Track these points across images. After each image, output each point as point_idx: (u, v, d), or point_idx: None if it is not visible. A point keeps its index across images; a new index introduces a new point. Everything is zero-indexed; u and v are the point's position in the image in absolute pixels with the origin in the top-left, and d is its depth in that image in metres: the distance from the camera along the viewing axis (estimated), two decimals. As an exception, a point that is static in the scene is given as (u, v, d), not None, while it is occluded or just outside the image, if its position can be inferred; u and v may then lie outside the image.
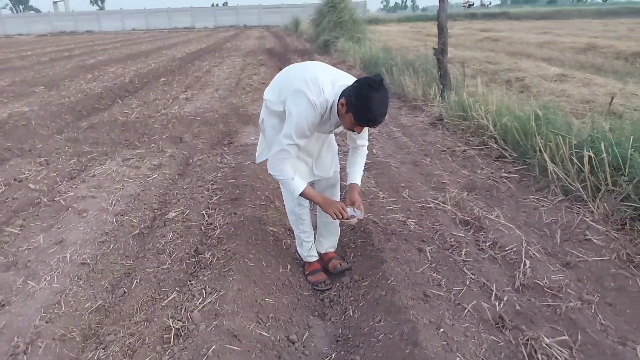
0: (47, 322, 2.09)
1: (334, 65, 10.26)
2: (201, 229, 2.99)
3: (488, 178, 3.65)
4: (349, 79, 2.07)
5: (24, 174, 4.11)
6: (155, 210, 3.37)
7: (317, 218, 2.66)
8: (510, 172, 3.70)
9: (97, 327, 2.12)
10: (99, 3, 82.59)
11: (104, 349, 1.93)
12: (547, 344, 1.82)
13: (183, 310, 2.11)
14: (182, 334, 1.96)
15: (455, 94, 5.26)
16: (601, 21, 27.40)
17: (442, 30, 5.83)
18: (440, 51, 5.92)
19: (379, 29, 25.06)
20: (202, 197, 3.50)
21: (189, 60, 13.96)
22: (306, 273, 2.60)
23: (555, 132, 3.36)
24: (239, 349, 1.80)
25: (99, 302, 2.28)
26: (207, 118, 5.96)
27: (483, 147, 4.27)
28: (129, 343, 1.94)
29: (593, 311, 2.05)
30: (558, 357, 1.76)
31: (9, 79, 10.23)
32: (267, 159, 2.23)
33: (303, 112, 1.99)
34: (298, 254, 2.68)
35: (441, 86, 5.89)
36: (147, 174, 4.03)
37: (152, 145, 4.94)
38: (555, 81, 8.04)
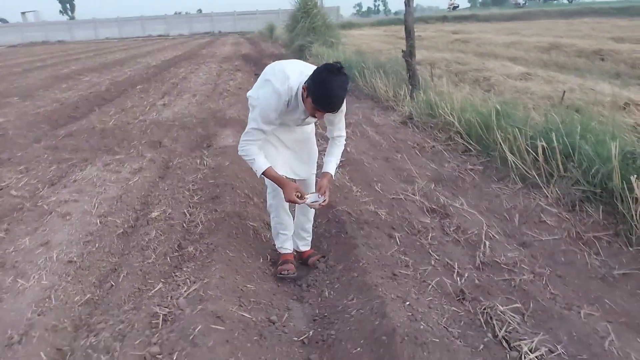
0: (38, 315, 2.21)
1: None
2: (183, 226, 3.13)
3: (454, 170, 3.89)
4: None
5: (4, 182, 4.16)
6: (138, 211, 3.49)
7: (295, 217, 2.74)
8: (474, 164, 3.94)
9: (87, 317, 2.25)
10: (69, 13, 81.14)
11: (95, 335, 2.06)
12: (501, 311, 2.03)
13: (169, 298, 2.26)
14: (169, 319, 2.10)
15: (423, 93, 5.52)
16: (566, 21, 28.37)
17: (409, 34, 6.09)
18: (409, 53, 6.19)
19: (353, 33, 25.39)
20: (183, 197, 3.63)
21: (164, 67, 13.98)
22: (278, 263, 2.65)
23: (513, 125, 3.62)
24: (223, 328, 1.96)
25: (88, 296, 2.41)
26: (185, 123, 6.07)
27: (450, 142, 4.51)
28: (119, 329, 2.07)
29: (544, 282, 2.28)
30: (511, 322, 1.97)
31: (-19, 91, 10.11)
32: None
33: (268, 97, 2.11)
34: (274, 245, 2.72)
35: (410, 87, 6.14)
36: (128, 178, 4.14)
37: (132, 150, 5.04)
38: (520, 79, 8.39)
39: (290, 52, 16.15)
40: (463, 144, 4.31)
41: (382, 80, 6.97)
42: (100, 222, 3.24)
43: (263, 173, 2.25)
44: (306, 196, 2.35)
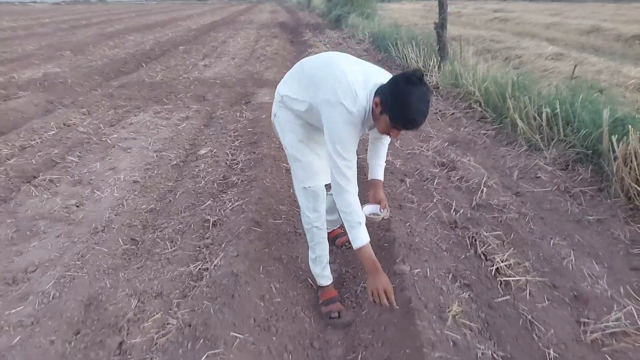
0: (115, 215, 2.80)
1: (344, 39, 10.81)
2: (227, 163, 3.67)
3: (468, 134, 4.28)
4: (382, 76, 1.79)
5: (71, 120, 4.79)
6: (187, 149, 4.05)
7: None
8: (488, 129, 4.31)
9: (153, 220, 2.82)
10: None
11: (160, 231, 2.63)
12: (484, 236, 2.48)
13: (217, 210, 2.81)
14: (218, 223, 2.66)
15: (450, 65, 5.83)
16: (615, 5, 27.27)
17: (442, 7, 6.36)
18: (440, 25, 6.46)
19: (392, 6, 25.25)
20: (225, 141, 4.17)
21: (204, 31, 14.49)
22: (320, 302, 2.17)
23: (525, 95, 3.96)
24: (260, 230, 2.49)
25: (152, 206, 2.98)
26: (225, 81, 6.59)
27: (469, 110, 4.87)
28: (179, 228, 2.64)
29: (527, 220, 2.71)
30: (491, 243, 2.43)
31: (35, 44, 10.88)
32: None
33: (344, 126, 1.73)
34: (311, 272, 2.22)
35: (440, 58, 6.45)
36: (177, 123, 4.70)
37: (179, 102, 5.60)
38: (551, 59, 8.53)
39: (327, 22, 16.39)
40: (480, 111, 4.67)
41: (413, 51, 7.27)
42: (156, 156, 3.82)
43: (359, 249, 1.80)
44: (362, 209, 1.92)
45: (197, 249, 2.42)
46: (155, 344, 1.77)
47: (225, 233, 2.48)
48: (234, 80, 6.71)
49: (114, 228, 2.64)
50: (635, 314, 1.86)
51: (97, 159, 3.73)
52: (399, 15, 19.96)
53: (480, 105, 4.74)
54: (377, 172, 2.18)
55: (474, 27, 15.83)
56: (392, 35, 8.93)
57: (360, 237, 1.79)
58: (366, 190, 2.23)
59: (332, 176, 1.81)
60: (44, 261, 2.35)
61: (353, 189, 1.80)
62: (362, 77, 1.75)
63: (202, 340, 1.70)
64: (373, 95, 1.70)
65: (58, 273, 2.23)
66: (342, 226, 2.37)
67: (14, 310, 1.97)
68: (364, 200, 2.02)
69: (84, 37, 12.33)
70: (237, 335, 1.72)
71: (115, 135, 4.29)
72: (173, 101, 5.65)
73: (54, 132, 4.37)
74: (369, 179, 2.21)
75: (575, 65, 4.84)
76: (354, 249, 1.83)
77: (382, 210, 2.12)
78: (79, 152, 3.89)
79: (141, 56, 9.27)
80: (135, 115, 5.02)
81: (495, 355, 1.71)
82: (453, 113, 4.92)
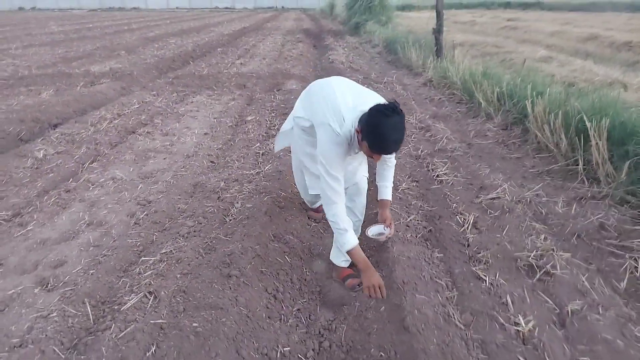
0: (197, 150, 4.28)
1: (361, 44, 12.39)
2: (267, 125, 5.13)
3: (447, 112, 5.65)
4: (370, 101, 1.98)
5: (147, 99, 6.34)
6: (237, 118, 5.54)
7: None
8: (462, 108, 5.68)
9: (222, 153, 4.30)
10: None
11: (229, 157, 4.10)
12: (435, 162, 3.87)
13: (264, 147, 4.27)
14: (265, 155, 4.10)
15: (442, 62, 7.21)
16: (630, 15, 28.05)
17: (439, 15, 7.77)
18: (437, 30, 7.86)
19: (410, 15, 26.66)
20: (264, 113, 5.64)
21: (236, 36, 16.13)
22: (342, 277, 2.42)
23: (489, 80, 5.33)
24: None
25: (220, 146, 4.47)
26: (260, 75, 8.10)
27: (451, 95, 6.25)
28: (240, 156, 4.10)
29: (468, 157, 4.07)
30: (438, 165, 3.81)
31: (91, 45, 12.62)
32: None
33: (331, 147, 1.96)
34: (332, 259, 2.47)
35: (436, 57, 7.83)
36: (227, 102, 6.21)
37: (225, 89, 7.12)
38: (540, 61, 9.80)
39: (347, 29, 17.89)
40: (459, 96, 6.04)
41: (416, 52, 8.67)
42: (216, 120, 5.32)
43: (349, 251, 2.08)
44: (368, 230, 2.25)
45: (254, 163, 3.89)
46: (241, 195, 3.23)
47: (270, 160, 3.93)
48: (266, 74, 8.21)
49: (199, 155, 4.12)
50: (507, 191, 3.23)
51: (174, 122, 5.25)
52: (415, 23, 21.31)
53: (459, 91, 6.10)
54: (384, 192, 2.32)
55: (484, 34, 17.07)
56: (400, 40, 10.34)
57: (349, 242, 2.06)
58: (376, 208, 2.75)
59: (321, 190, 2.08)
60: (160, 169, 3.84)
61: (340, 200, 2.04)
62: (352, 102, 2.02)
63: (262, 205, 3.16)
64: (357, 121, 1.93)
65: (172, 173, 3.71)
66: (352, 266, 2.42)
67: (149, 188, 3.45)
68: (371, 220, 2.64)
69: (131, 40, 14.04)
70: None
71: (183, 109, 5.81)
72: (220, 88, 7.18)
73: (137, 106, 5.92)
74: (378, 199, 2.40)
75: (525, 60, 6.18)
76: (345, 252, 2.12)
77: (386, 228, 2.25)
78: (160, 118, 5.41)
79: (186, 56, 10.87)
80: (193, 97, 6.54)
81: (423, 207, 3.10)
82: (440, 98, 6.29)
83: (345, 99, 2.03)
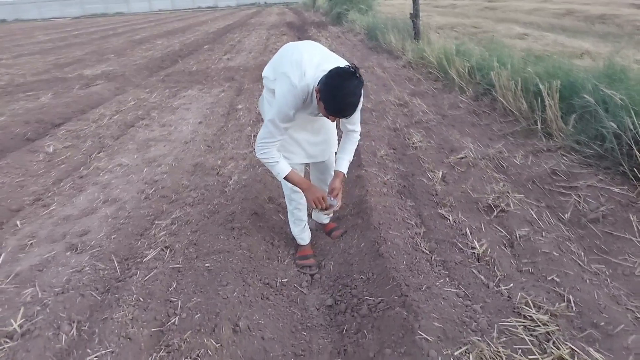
0: (194, 136, 4.65)
1: (343, 33, 12.82)
2: (256, 113, 5.50)
3: (424, 89, 6.05)
4: (334, 62, 2.00)
5: (142, 96, 6.69)
6: (228, 107, 5.90)
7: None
8: (437, 86, 6.08)
9: (217, 138, 4.67)
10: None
11: (224, 141, 4.47)
12: (411, 132, 4.27)
13: (256, 131, 4.64)
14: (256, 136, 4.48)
15: (420, 44, 7.60)
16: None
17: (415, 0, 8.13)
18: (415, 15, 8.23)
19: (392, 2, 27.04)
20: (254, 101, 6.01)
21: (221, 33, 16.42)
22: (297, 255, 2.62)
23: (462, 57, 5.72)
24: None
25: (214, 132, 4.84)
26: (247, 67, 8.46)
27: (428, 75, 6.64)
28: (233, 140, 4.48)
29: (442, 126, 4.47)
30: (414, 135, 4.21)
31: (80, 51, 12.89)
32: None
33: (285, 95, 1.97)
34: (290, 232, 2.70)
35: (415, 40, 8.21)
36: (217, 94, 6.57)
37: (214, 82, 7.47)
38: (515, 38, 10.20)
39: (329, 19, 18.21)
40: (436, 74, 6.43)
41: (395, 37, 9.04)
42: (208, 111, 5.68)
43: (285, 177, 2.17)
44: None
45: (247, 144, 4.27)
46: (237, 170, 3.62)
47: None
48: (253, 66, 8.57)
49: (196, 141, 4.50)
50: (472, 151, 3.63)
51: (170, 114, 5.61)
52: (397, 9, 21.68)
53: (435, 69, 6.50)
54: (340, 164, 2.30)
55: (464, 16, 17.43)
56: (380, 27, 10.70)
57: (282, 170, 2.14)
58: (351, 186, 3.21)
59: (259, 133, 2.12)
60: (162, 154, 4.21)
61: (273, 146, 2.10)
62: (317, 60, 2.01)
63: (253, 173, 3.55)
64: (318, 79, 1.91)
65: (173, 157, 4.09)
66: (335, 220, 2.78)
67: (154, 170, 3.83)
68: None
69: (118, 44, 14.30)
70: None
71: (177, 103, 6.17)
72: (210, 82, 7.53)
73: (133, 103, 6.27)
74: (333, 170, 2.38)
75: (494, 35, 6.59)
76: (281, 179, 2.22)
77: (332, 199, 2.25)
78: (157, 112, 5.77)
79: (174, 55, 11.19)
80: (185, 92, 6.90)
81: (399, 169, 3.51)
82: (418, 78, 6.68)
83: (312, 57, 2.03)
